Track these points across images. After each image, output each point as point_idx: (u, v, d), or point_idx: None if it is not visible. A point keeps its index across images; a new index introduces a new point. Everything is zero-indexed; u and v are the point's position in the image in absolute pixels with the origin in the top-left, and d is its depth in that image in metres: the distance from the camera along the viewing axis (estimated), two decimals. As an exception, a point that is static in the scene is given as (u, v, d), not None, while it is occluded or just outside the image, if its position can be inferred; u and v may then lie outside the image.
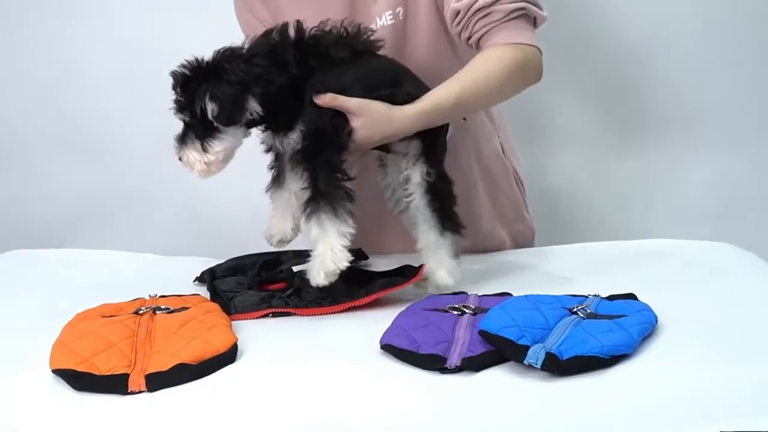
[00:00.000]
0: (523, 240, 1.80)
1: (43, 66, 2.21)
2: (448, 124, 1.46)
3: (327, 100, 1.34)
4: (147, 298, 1.36)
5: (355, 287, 1.37)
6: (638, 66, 2.14)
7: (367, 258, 1.62)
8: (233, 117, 1.31)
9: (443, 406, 1.01)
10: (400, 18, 1.59)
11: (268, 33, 1.38)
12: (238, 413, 1.01)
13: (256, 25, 1.74)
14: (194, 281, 1.55)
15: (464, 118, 1.49)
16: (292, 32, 1.37)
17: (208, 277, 1.52)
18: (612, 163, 2.20)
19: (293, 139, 1.36)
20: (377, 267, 1.54)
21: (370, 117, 1.36)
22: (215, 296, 1.42)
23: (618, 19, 2.13)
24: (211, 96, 1.29)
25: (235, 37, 1.81)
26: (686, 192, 2.20)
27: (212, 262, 1.63)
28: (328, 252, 1.30)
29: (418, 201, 1.42)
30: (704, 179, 2.19)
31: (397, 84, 1.41)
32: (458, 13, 1.50)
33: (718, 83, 2.14)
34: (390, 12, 1.59)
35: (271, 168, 1.46)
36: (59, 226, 2.26)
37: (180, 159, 1.38)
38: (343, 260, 1.30)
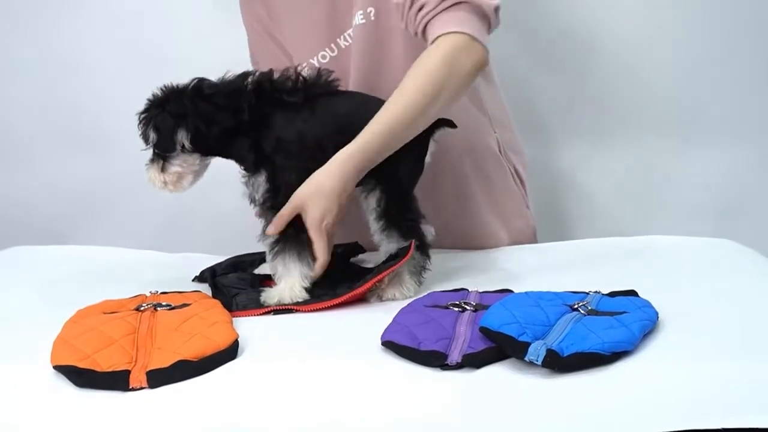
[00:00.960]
0: (523, 237, 1.79)
1: (43, 61, 2.21)
2: (426, 145, 1.45)
3: (273, 231, 1.41)
4: (148, 294, 1.36)
5: (352, 281, 1.39)
6: (641, 61, 2.14)
7: (363, 251, 1.63)
8: (166, 146, 1.43)
9: (444, 403, 1.01)
10: (372, 18, 1.59)
11: (244, 75, 1.45)
12: (239, 410, 1.00)
13: (253, 23, 1.76)
14: (193, 280, 1.55)
15: (454, 126, 1.48)
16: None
17: (209, 275, 1.53)
18: (613, 159, 2.19)
19: (260, 182, 1.44)
20: (373, 262, 1.55)
21: (310, 200, 1.39)
22: (217, 292, 1.43)
23: (621, 13, 2.12)
24: (153, 126, 1.43)
25: (238, 31, 1.82)
26: (688, 189, 2.19)
27: (213, 259, 1.64)
28: (287, 289, 1.38)
29: (373, 225, 1.44)
30: (706, 176, 2.18)
31: (348, 129, 1.42)
32: (401, 8, 1.50)
33: (721, 79, 2.14)
34: (361, 12, 1.60)
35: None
36: (59, 221, 2.26)
37: (147, 177, 1.48)
38: (299, 299, 1.38)
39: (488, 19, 1.47)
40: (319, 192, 1.39)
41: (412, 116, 1.41)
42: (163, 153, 1.44)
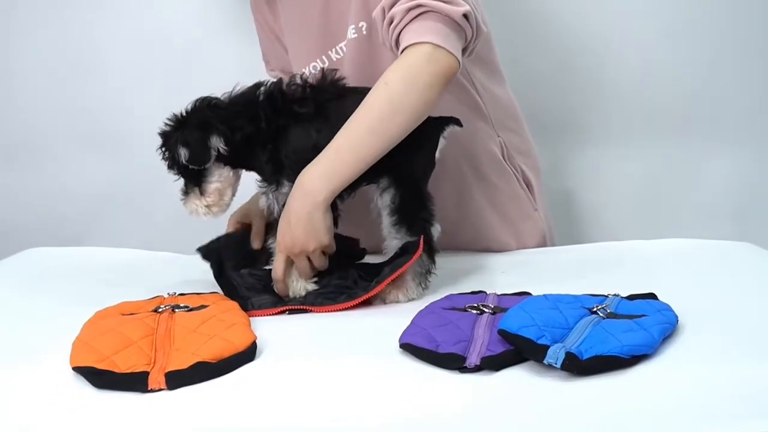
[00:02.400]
0: (531, 240, 1.78)
1: (61, 62, 2.22)
2: (436, 141, 1.45)
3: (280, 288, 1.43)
4: (166, 296, 1.36)
5: (366, 281, 1.40)
6: (655, 64, 2.13)
7: (365, 252, 1.60)
8: (201, 157, 1.41)
9: (463, 405, 1.01)
10: (364, 33, 1.59)
11: (256, 86, 1.45)
12: (257, 411, 1.01)
13: (262, 23, 1.78)
14: (197, 250, 1.55)
15: (461, 124, 1.48)
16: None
17: (214, 265, 1.51)
18: (630, 162, 2.19)
19: (284, 194, 1.43)
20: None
21: (293, 229, 1.39)
22: (232, 292, 1.43)
23: (637, 13, 2.12)
24: (182, 143, 1.41)
25: (250, 30, 1.83)
26: (705, 190, 2.18)
27: None
28: (296, 281, 1.42)
29: (386, 219, 1.44)
30: (723, 178, 2.18)
31: None
32: (378, 24, 1.48)
33: (736, 80, 2.13)
34: (353, 26, 1.60)
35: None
36: (77, 222, 2.27)
37: (188, 209, 1.48)
38: (309, 290, 1.42)
39: (459, 27, 1.42)
40: (288, 223, 1.40)
41: (375, 133, 1.39)
42: (199, 166, 1.42)
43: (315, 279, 1.43)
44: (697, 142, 2.17)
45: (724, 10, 2.11)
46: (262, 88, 1.45)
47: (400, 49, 1.43)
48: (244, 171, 1.50)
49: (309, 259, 1.41)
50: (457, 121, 1.48)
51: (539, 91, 2.14)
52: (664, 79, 2.15)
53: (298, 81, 1.47)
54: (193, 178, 1.45)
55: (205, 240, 1.58)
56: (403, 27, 1.42)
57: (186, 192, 1.47)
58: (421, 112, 1.41)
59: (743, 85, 2.14)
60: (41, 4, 2.20)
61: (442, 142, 1.47)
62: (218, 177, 1.45)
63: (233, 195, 1.50)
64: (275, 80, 1.48)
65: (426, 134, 1.44)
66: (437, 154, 1.47)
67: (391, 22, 1.44)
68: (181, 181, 1.47)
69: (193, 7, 2.16)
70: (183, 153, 1.41)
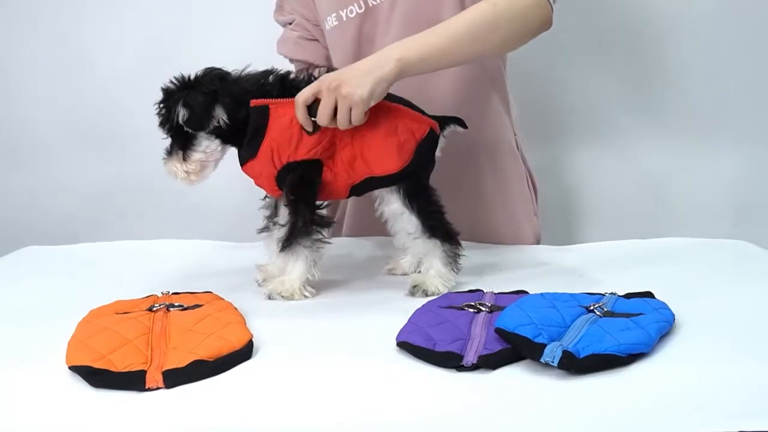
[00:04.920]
0: (527, 242, 1.78)
1: (58, 61, 2.22)
2: (435, 143, 1.45)
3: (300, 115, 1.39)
4: (160, 295, 1.36)
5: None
6: (657, 63, 2.13)
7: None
8: (201, 122, 1.40)
9: (460, 403, 1.01)
10: None
11: (266, 72, 1.45)
12: (255, 410, 1.01)
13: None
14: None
15: (465, 126, 1.49)
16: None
17: None
18: (629, 161, 2.19)
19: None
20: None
21: (334, 74, 1.37)
22: None
23: (638, 15, 2.12)
24: (183, 103, 1.39)
25: (253, 31, 1.83)
26: (704, 190, 2.19)
27: (228, 247, 1.63)
28: (287, 282, 1.41)
29: (387, 212, 1.45)
30: (722, 177, 2.18)
31: None
32: None
33: (738, 81, 2.14)
34: None
35: (265, 211, 1.51)
36: (73, 221, 2.27)
37: (167, 169, 1.45)
38: (298, 297, 1.41)
39: None
40: (348, 67, 1.39)
41: (468, 36, 1.44)
42: (194, 130, 1.41)
43: (312, 290, 1.43)
44: (696, 142, 2.18)
45: (724, 11, 2.11)
46: (272, 76, 1.45)
47: None
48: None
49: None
50: (460, 122, 1.48)
51: (539, 91, 2.14)
52: (663, 79, 2.15)
53: (305, 75, 1.47)
54: (180, 142, 1.43)
55: (203, 238, 1.57)
56: None
57: (170, 153, 1.45)
58: (512, 43, 1.53)
59: (743, 85, 2.14)
60: (41, 4, 2.20)
61: (442, 141, 1.47)
62: (204, 148, 1.43)
63: (214, 168, 1.48)
64: (283, 72, 1.47)
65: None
66: (438, 153, 1.47)
67: None
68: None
69: (194, 7, 2.16)
70: (182, 113, 1.39)
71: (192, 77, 1.41)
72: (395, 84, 1.40)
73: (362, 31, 1.68)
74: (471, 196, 1.73)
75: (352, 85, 1.34)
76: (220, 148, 1.45)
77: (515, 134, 1.77)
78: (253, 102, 1.40)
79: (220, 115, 1.40)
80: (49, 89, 2.23)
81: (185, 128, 1.40)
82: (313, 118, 1.38)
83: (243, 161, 1.44)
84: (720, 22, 2.11)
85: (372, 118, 1.40)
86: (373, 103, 1.37)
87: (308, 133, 1.39)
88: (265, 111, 1.40)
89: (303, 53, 1.79)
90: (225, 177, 1.51)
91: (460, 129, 1.49)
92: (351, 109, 1.35)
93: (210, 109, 1.39)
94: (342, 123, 1.36)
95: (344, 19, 1.69)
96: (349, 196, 1.49)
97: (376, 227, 1.56)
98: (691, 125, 2.16)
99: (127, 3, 2.20)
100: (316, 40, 1.78)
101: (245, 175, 1.46)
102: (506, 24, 1.47)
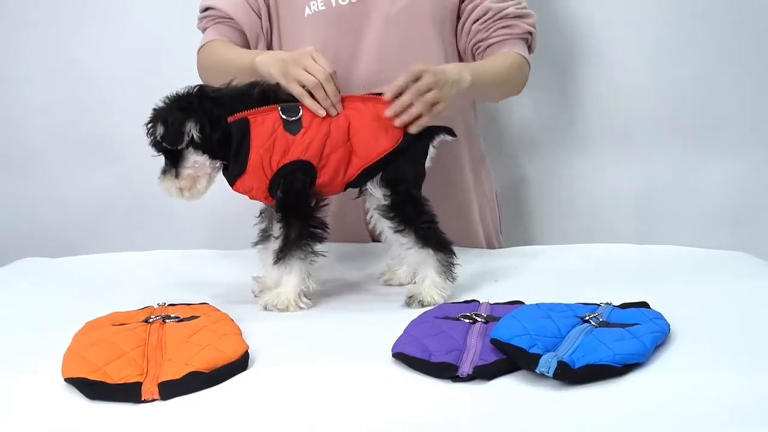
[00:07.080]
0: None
1: (53, 69, 2.22)
2: (426, 150, 1.47)
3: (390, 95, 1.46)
4: (156, 306, 1.36)
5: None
6: (653, 72, 2.14)
7: None
8: (174, 138, 1.42)
9: (455, 414, 1.01)
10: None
11: (252, 84, 1.47)
12: (251, 421, 1.01)
13: None
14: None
15: (454, 135, 1.51)
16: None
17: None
18: (626, 169, 2.19)
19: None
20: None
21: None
22: None
23: (633, 25, 2.13)
24: (161, 120, 1.42)
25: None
26: (701, 199, 2.19)
27: (225, 256, 1.64)
28: (282, 295, 1.42)
29: (380, 225, 1.46)
30: (719, 184, 2.18)
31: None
32: (486, 13, 1.70)
33: (733, 87, 2.14)
34: None
35: (260, 224, 1.52)
36: (69, 232, 2.27)
37: (162, 188, 1.48)
38: (293, 308, 1.42)
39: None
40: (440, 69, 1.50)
41: (500, 78, 1.69)
42: (171, 146, 1.43)
43: (308, 301, 1.44)
44: (693, 150, 2.18)
45: (721, 20, 2.11)
46: (257, 88, 1.46)
47: (505, 48, 1.72)
48: None
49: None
50: (449, 131, 1.50)
51: (538, 99, 2.14)
52: (661, 87, 2.15)
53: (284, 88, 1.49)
54: (171, 160, 1.45)
55: (199, 249, 1.58)
56: (515, 38, 1.73)
57: (164, 172, 1.47)
58: (508, 96, 1.83)
59: (740, 94, 2.15)
60: (37, 11, 2.20)
61: (432, 151, 1.48)
62: (192, 163, 1.44)
63: (209, 184, 1.49)
64: (272, 83, 1.49)
65: (417, 143, 1.46)
66: (428, 163, 1.48)
67: (505, 26, 1.72)
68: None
69: (190, 15, 2.17)
70: (159, 131, 1.42)
71: (178, 94, 1.44)
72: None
73: (349, 21, 1.70)
74: (453, 200, 1.79)
75: (446, 88, 1.47)
76: (208, 162, 1.45)
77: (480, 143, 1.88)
78: (231, 118, 1.42)
79: (192, 131, 1.41)
80: (44, 98, 2.23)
81: (163, 144, 1.43)
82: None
83: (232, 180, 1.46)
84: (717, 31, 2.12)
85: (353, 111, 1.46)
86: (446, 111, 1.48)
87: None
88: (245, 124, 1.42)
89: (236, 12, 1.76)
90: (222, 186, 1.51)
91: (449, 138, 1.50)
92: (437, 103, 1.46)
93: (182, 125, 1.41)
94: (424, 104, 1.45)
95: (333, 5, 1.69)
96: (345, 189, 1.50)
97: (357, 229, 1.63)
98: (688, 134, 2.16)
99: (123, 11, 2.20)
100: (258, 16, 1.77)
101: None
102: (513, 78, 1.73)
